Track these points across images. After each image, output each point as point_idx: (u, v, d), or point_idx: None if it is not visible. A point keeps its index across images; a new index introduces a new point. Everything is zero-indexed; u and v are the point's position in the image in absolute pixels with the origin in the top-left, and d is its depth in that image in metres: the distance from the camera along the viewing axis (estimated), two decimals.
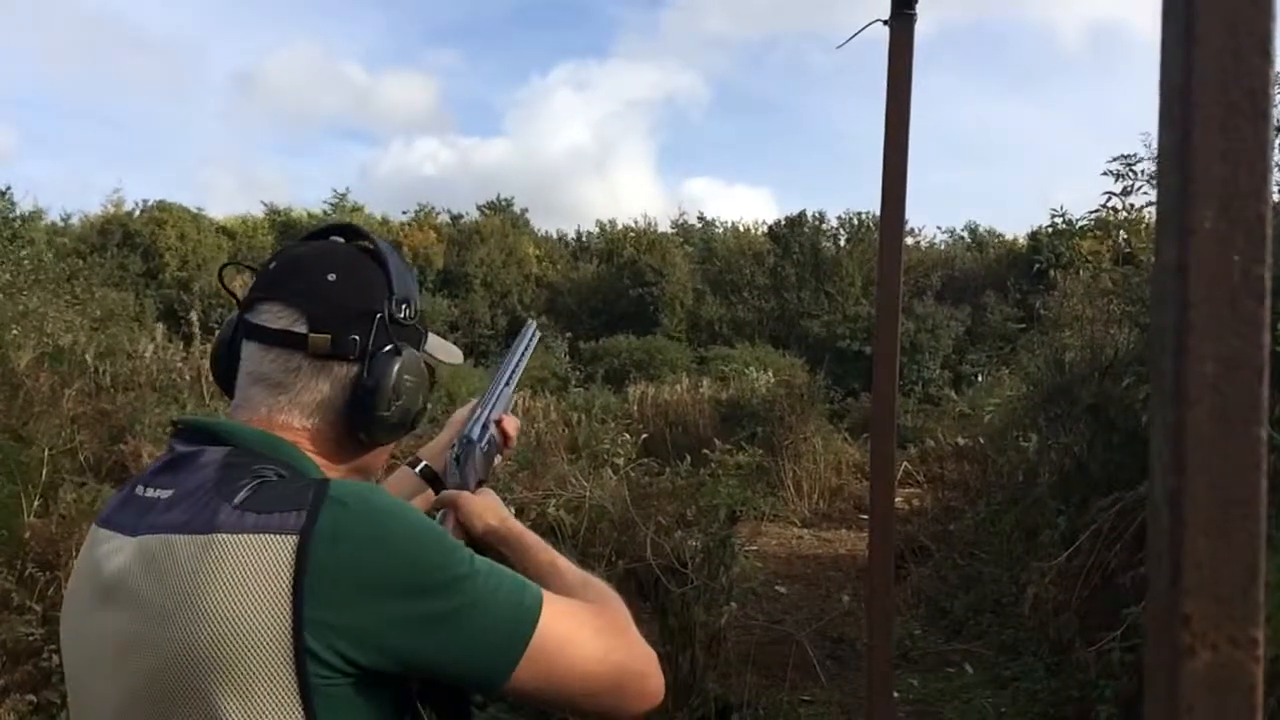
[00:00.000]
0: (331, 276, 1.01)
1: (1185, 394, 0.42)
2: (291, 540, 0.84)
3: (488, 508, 1.17)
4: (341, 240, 1.09)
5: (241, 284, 1.15)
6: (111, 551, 0.94)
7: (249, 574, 0.84)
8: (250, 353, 1.02)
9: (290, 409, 1.00)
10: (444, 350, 1.18)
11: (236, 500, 0.88)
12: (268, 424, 1.00)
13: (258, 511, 0.87)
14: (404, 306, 1.04)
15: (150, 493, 0.95)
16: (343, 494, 0.88)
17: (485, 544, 1.15)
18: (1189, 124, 0.43)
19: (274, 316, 1.00)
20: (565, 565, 1.09)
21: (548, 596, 0.93)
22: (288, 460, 0.97)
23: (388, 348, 1.02)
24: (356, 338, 1.00)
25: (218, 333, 1.11)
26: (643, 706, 0.97)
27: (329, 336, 0.99)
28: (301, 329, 0.99)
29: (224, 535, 0.86)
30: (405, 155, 58.62)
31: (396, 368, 1.01)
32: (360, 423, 1.01)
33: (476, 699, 1.02)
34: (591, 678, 0.93)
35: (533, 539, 1.13)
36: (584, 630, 0.93)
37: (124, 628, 0.90)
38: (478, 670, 0.90)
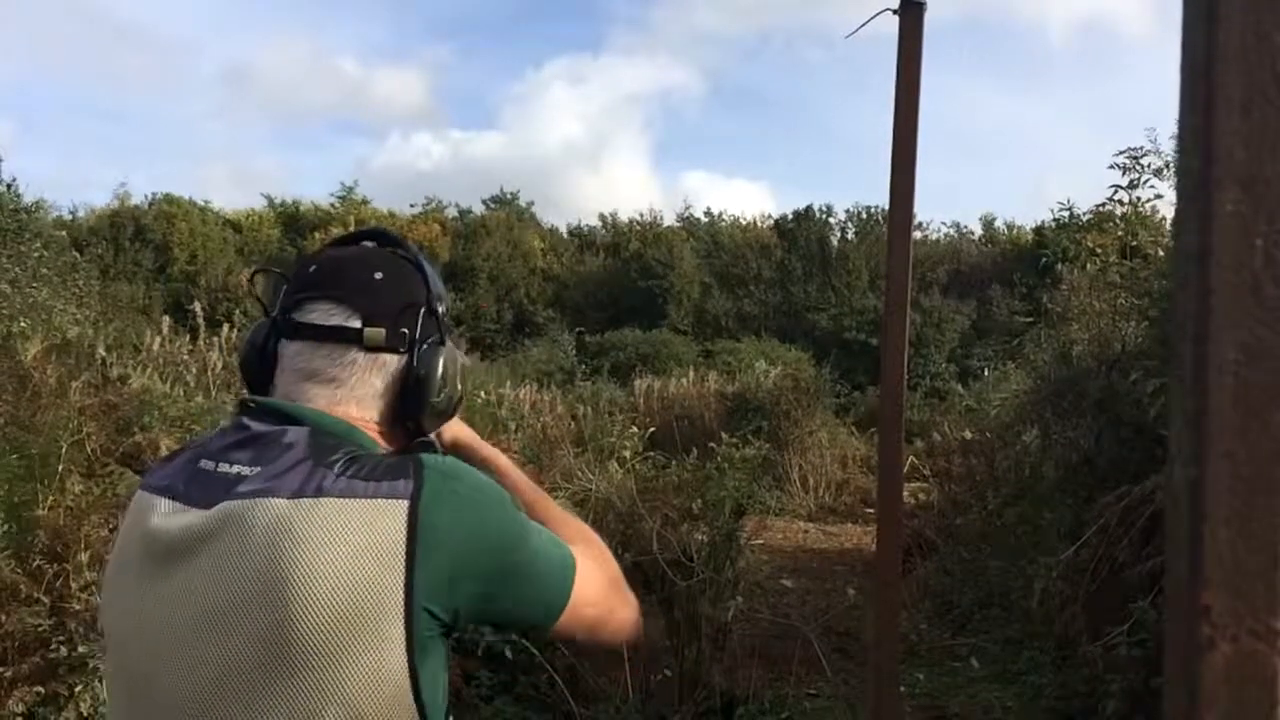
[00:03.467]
0: (378, 275, 1.06)
1: (1206, 382, 0.41)
2: (403, 505, 0.91)
3: (457, 422, 1.26)
4: (374, 244, 1.14)
5: (258, 286, 1.18)
6: (174, 521, 0.96)
7: (366, 537, 0.89)
8: (297, 350, 1.05)
9: (347, 402, 1.04)
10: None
11: (339, 469, 0.93)
12: None
13: (365, 479, 0.92)
14: (440, 303, 1.11)
15: (225, 468, 0.97)
16: (438, 464, 0.96)
17: (454, 454, 1.20)
18: (1211, 106, 0.42)
19: (325, 314, 1.04)
20: (559, 515, 1.19)
21: (574, 548, 1.06)
22: (363, 445, 1.02)
23: (433, 338, 1.08)
24: (406, 330, 1.06)
25: (248, 337, 1.13)
26: (634, 633, 1.15)
27: (383, 330, 1.04)
28: (355, 324, 1.04)
29: (334, 499, 0.91)
30: (401, 149, 58.55)
31: (443, 357, 1.08)
32: (412, 411, 1.07)
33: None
34: (605, 616, 1.08)
35: (516, 476, 1.25)
36: (602, 580, 1.08)
37: (206, 595, 0.91)
38: (538, 614, 1.02)
